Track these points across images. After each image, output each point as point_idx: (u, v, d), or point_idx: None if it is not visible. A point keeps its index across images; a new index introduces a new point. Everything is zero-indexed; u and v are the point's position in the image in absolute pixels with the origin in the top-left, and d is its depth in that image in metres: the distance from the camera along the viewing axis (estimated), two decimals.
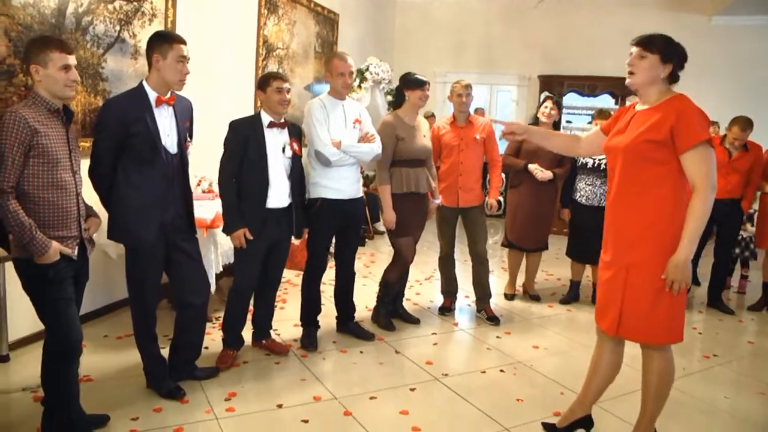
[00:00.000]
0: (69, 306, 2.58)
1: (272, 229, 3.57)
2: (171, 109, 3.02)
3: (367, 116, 4.07)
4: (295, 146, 3.63)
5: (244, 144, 3.46)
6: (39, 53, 2.44)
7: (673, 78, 2.60)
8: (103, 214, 2.96)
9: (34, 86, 2.49)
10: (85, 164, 2.83)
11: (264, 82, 3.54)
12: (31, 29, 3.49)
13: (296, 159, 3.66)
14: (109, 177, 2.91)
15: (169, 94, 3.01)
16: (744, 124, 5.13)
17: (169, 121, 3.01)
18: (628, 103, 10.22)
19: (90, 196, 2.83)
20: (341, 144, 3.81)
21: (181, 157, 3.10)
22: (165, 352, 3.33)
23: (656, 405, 2.77)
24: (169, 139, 3.00)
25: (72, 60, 2.51)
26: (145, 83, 2.96)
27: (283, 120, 3.59)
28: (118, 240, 3.07)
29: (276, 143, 3.54)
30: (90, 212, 2.76)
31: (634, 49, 2.61)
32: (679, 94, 2.59)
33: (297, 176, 3.68)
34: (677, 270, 2.48)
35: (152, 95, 2.95)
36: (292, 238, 3.81)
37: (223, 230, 3.56)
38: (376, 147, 3.94)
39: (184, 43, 2.99)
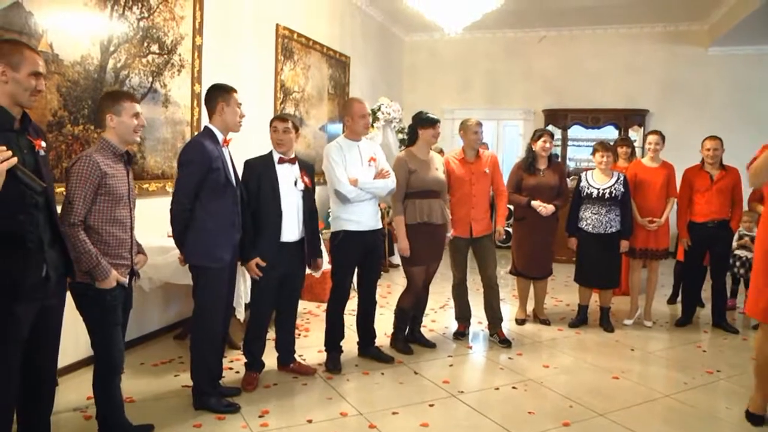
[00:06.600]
0: (117, 329, 2.92)
1: (285, 262, 3.86)
2: (227, 149, 3.50)
3: (381, 154, 4.38)
4: (306, 179, 3.94)
5: (257, 180, 3.78)
6: (113, 104, 2.83)
7: None
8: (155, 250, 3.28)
9: (104, 133, 2.86)
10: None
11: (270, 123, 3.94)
12: (78, 84, 3.86)
13: (308, 192, 3.96)
14: (189, 211, 3.30)
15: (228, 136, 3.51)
16: (713, 139, 5.37)
17: (229, 159, 3.48)
18: (632, 135, 10.33)
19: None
20: (358, 182, 4.11)
21: (240, 190, 3.55)
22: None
23: None
24: (232, 174, 3.45)
25: (139, 108, 2.90)
26: (211, 126, 3.41)
27: (293, 156, 3.92)
28: (198, 263, 3.37)
29: (288, 178, 3.86)
30: (140, 249, 3.09)
31: None
32: None
33: (308, 209, 3.97)
34: None
35: (220, 136, 3.43)
36: (307, 269, 4.11)
37: (240, 262, 3.83)
38: (390, 182, 4.24)
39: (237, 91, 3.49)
